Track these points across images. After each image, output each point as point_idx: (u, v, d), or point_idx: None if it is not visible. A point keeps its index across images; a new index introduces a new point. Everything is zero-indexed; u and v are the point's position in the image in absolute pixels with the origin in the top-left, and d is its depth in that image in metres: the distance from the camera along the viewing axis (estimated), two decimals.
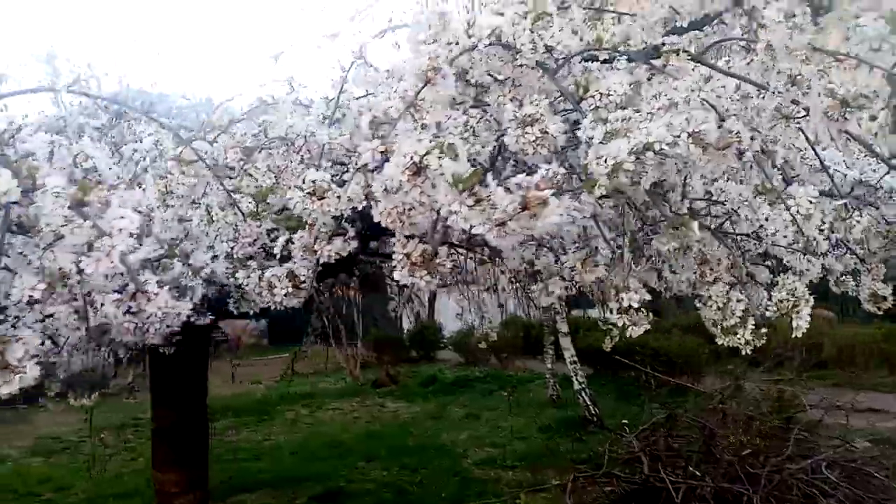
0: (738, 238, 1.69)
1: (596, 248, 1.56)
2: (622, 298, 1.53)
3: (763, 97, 1.33)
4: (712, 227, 1.50)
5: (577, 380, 8.61)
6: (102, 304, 1.17)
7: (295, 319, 17.91)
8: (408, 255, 1.17)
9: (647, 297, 1.53)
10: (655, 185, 1.41)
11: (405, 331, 20.10)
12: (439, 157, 0.98)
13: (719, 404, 5.54)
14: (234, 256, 1.64)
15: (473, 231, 0.97)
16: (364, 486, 6.34)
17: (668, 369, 8.37)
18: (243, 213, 1.55)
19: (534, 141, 1.14)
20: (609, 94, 1.23)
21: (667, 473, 5.20)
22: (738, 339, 1.53)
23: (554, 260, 1.54)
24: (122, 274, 1.20)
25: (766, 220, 1.37)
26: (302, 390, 13.22)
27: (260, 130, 1.74)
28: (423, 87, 1.11)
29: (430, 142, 0.99)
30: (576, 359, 8.65)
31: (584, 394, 8.51)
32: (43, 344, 1.17)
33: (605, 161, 1.07)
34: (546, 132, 1.14)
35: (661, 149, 1.07)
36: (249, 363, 19.31)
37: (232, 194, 1.55)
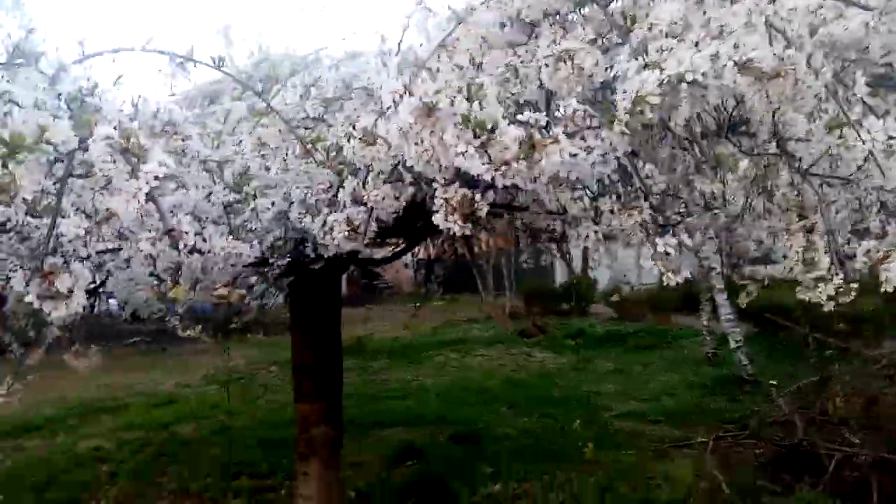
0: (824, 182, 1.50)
1: (634, 188, 1.43)
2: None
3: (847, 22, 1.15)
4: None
5: (733, 338, 8.16)
6: (139, 242, 1.29)
7: (455, 270, 18.54)
8: (447, 200, 1.17)
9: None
10: (740, 122, 1.29)
11: (558, 283, 20.03)
12: (453, 98, 0.97)
13: (886, 369, 5.02)
14: (308, 203, 1.72)
15: (477, 173, 0.95)
16: (504, 430, 6.49)
17: (840, 330, 7.68)
18: (317, 162, 1.63)
19: (566, 77, 1.08)
20: (657, 24, 1.13)
21: (821, 439, 4.86)
22: (820, 294, 1.38)
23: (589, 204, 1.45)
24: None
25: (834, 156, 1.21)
26: (453, 337, 13.66)
27: (341, 82, 1.79)
28: (455, 27, 1.10)
29: (453, 83, 0.98)
30: (732, 316, 8.17)
31: (740, 353, 8.07)
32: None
33: (627, 94, 0.99)
34: (582, 68, 1.08)
35: (694, 80, 0.97)
36: (408, 310, 20.27)
37: (308, 144, 1.63)
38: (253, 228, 1.78)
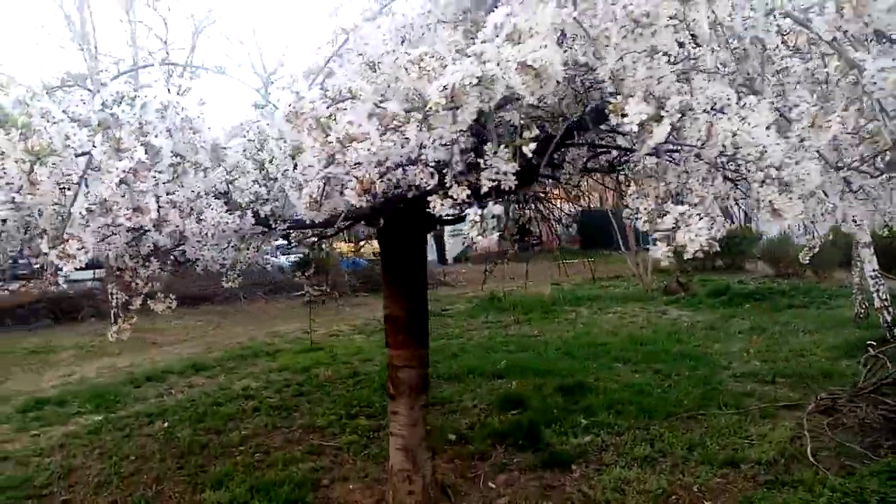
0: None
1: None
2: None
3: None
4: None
5: (878, 296, 7.57)
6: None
7: (605, 226, 18.31)
8: (357, 178, 1.44)
9: None
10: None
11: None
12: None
13: None
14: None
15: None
16: (611, 385, 6.62)
17: None
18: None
19: (417, 79, 1.28)
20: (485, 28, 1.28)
21: None
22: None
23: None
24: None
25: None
26: (591, 293, 13.69)
27: None
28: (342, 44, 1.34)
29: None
30: (877, 273, 7.56)
31: (886, 312, 7.49)
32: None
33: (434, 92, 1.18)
34: (427, 70, 1.27)
35: (481, 78, 1.14)
36: (552, 265, 20.36)
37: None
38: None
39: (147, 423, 6.22)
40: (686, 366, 7.23)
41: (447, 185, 1.57)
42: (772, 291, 12.13)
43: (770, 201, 1.52)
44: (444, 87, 1.14)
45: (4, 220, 1.90)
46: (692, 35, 1.34)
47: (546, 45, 1.09)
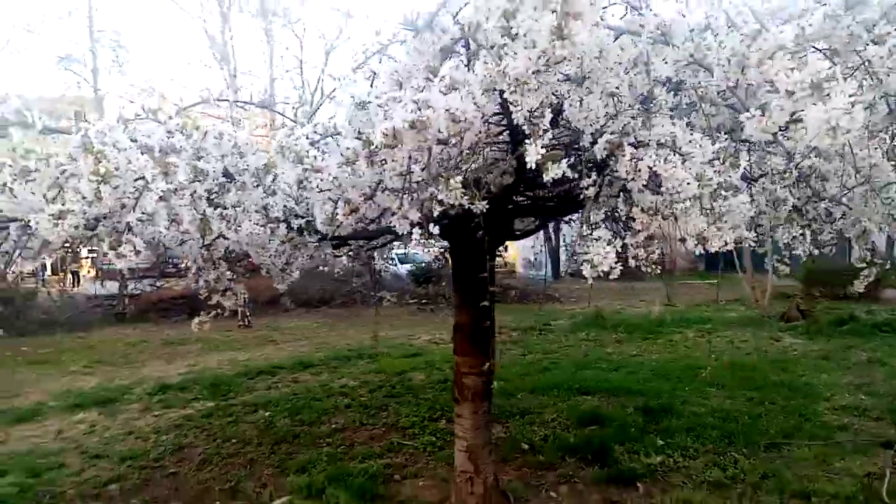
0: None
1: None
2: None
3: None
4: None
5: None
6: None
7: (732, 251, 17.58)
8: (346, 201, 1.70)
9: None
10: None
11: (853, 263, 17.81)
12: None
13: None
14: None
15: None
16: (695, 408, 6.50)
17: None
18: None
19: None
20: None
21: None
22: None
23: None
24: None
25: None
26: (702, 315, 13.27)
27: None
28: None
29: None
30: None
31: None
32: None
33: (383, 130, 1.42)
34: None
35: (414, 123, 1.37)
36: (671, 285, 19.85)
37: None
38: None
39: (252, 411, 6.84)
40: (782, 394, 6.94)
41: (402, 207, 1.82)
42: None
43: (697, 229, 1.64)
44: (385, 131, 1.39)
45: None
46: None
47: (471, 96, 1.30)
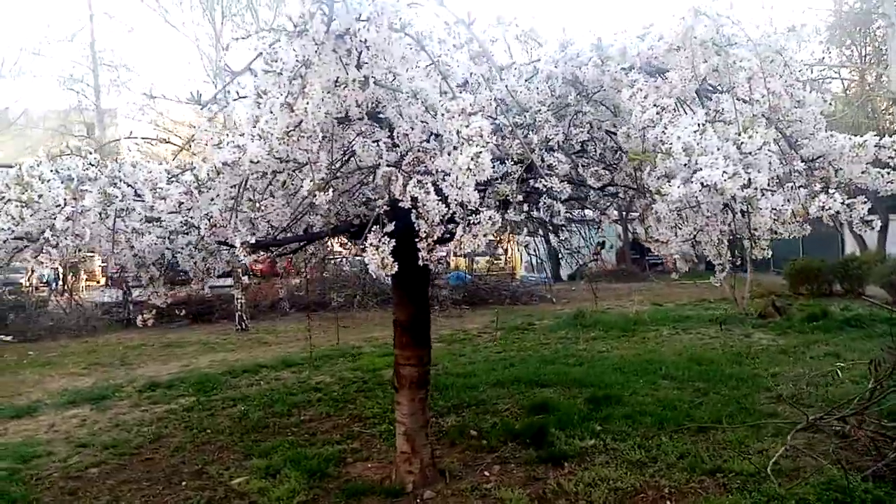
0: None
1: None
2: None
3: None
4: None
5: None
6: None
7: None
8: None
9: None
10: None
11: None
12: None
13: None
14: None
15: None
16: (642, 398, 6.94)
17: None
18: None
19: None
20: None
21: None
22: None
23: None
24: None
25: None
26: (683, 314, 13.65)
27: None
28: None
29: None
30: None
31: None
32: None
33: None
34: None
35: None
36: (667, 285, 20.23)
37: None
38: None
39: (231, 405, 7.37)
40: (729, 385, 7.35)
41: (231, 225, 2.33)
42: (873, 319, 11.53)
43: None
44: (214, 165, 1.88)
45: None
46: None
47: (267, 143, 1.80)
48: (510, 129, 2.55)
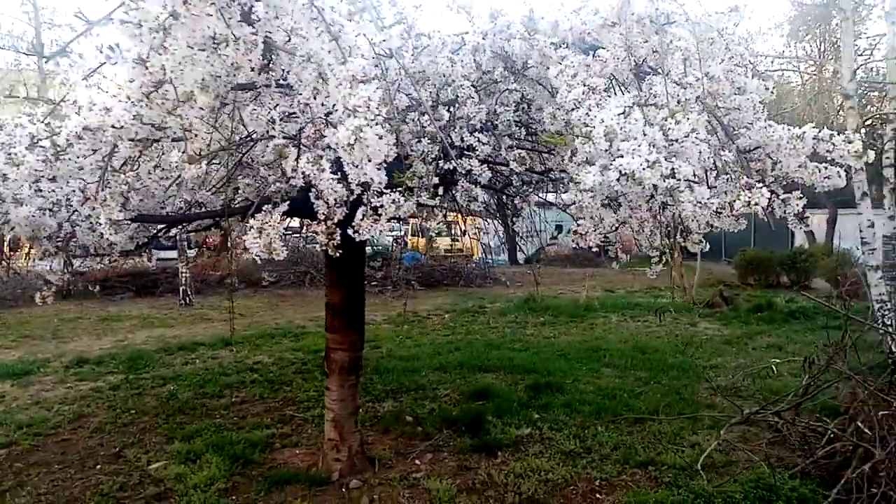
0: None
1: None
2: None
3: None
4: None
5: (882, 323, 7.38)
6: None
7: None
8: None
9: None
10: None
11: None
12: None
13: None
14: None
15: None
16: (583, 386, 6.87)
17: None
18: None
19: None
20: None
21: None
22: None
23: None
24: None
25: None
26: (633, 301, 13.70)
27: None
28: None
29: None
30: (884, 297, 7.37)
31: (889, 338, 7.28)
32: None
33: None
34: None
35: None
36: (621, 272, 20.34)
37: None
38: None
39: (160, 385, 7.08)
40: (670, 375, 7.34)
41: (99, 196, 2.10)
42: (816, 312, 11.72)
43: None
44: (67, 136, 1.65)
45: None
46: None
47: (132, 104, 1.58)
48: (431, 105, 2.35)
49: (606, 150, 1.79)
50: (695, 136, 1.78)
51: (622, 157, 1.71)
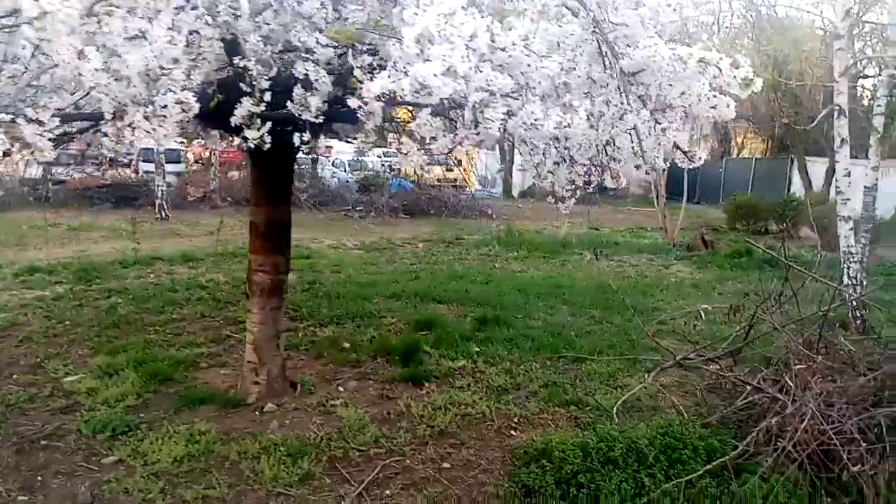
0: None
1: None
2: None
3: None
4: None
5: (847, 275, 7.19)
6: None
7: (686, 179, 17.46)
8: None
9: None
10: None
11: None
12: None
13: None
14: None
15: None
16: (531, 322, 6.74)
17: None
18: None
19: None
20: None
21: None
22: None
23: None
24: None
25: None
26: (614, 240, 13.52)
27: None
28: None
29: None
30: (851, 248, 7.15)
31: (851, 289, 7.10)
32: None
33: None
34: None
35: None
36: (613, 210, 20.11)
37: None
38: None
39: (105, 297, 6.98)
40: (625, 316, 7.18)
41: None
42: (793, 260, 11.51)
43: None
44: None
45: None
46: None
47: None
48: None
49: (418, 55, 1.54)
50: (524, 44, 1.53)
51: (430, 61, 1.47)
